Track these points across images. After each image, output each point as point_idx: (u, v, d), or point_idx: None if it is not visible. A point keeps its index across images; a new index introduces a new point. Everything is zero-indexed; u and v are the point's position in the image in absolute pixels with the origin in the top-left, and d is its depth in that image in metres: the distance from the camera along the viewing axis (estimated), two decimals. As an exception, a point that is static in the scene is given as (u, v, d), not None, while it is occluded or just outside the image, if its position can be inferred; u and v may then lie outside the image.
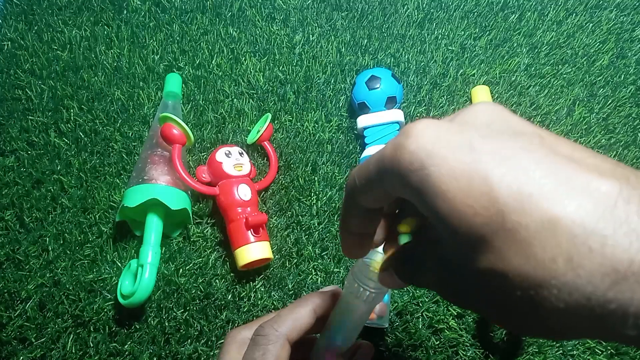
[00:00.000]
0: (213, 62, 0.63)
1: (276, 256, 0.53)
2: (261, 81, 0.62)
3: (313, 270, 0.53)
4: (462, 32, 0.66)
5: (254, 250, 0.49)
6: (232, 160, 0.52)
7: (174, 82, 0.60)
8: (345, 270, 0.53)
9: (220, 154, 0.53)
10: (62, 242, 0.53)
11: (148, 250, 0.48)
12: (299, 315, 0.30)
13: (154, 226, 0.50)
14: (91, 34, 0.64)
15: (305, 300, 0.31)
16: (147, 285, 0.46)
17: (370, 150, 0.54)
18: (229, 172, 0.52)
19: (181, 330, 0.49)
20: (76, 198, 0.55)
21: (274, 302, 0.51)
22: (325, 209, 0.55)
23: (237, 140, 0.58)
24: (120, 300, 0.47)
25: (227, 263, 0.52)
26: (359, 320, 0.30)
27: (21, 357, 0.48)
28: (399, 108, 0.58)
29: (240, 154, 0.54)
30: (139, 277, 0.47)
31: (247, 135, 0.58)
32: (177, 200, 0.50)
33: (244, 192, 0.51)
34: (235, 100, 0.61)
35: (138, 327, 0.49)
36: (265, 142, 0.57)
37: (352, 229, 0.25)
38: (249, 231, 0.49)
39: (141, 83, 0.61)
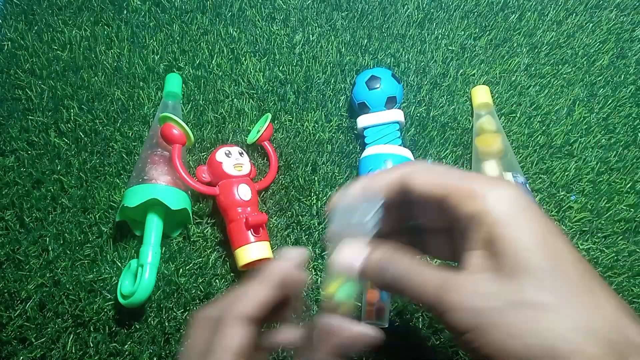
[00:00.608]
0: (213, 62, 0.63)
1: (276, 256, 0.53)
2: (261, 81, 0.62)
3: (313, 270, 0.53)
4: (462, 32, 0.66)
5: (254, 250, 0.49)
6: (232, 160, 0.52)
7: (174, 82, 0.60)
8: (345, 270, 0.52)
9: (220, 154, 0.53)
10: (62, 242, 0.53)
11: (148, 250, 0.48)
12: (256, 291, 0.29)
13: (154, 226, 0.50)
14: (91, 34, 0.64)
15: (264, 273, 0.30)
16: (147, 285, 0.46)
17: (370, 150, 0.54)
18: (229, 172, 0.52)
19: (181, 330, 0.49)
20: (76, 198, 0.55)
21: (274, 302, 0.51)
22: (325, 209, 0.55)
23: (237, 140, 0.58)
24: (120, 300, 0.47)
25: (227, 263, 0.52)
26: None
27: (21, 357, 0.48)
28: (399, 108, 0.58)
29: (240, 153, 0.54)
30: (139, 277, 0.47)
31: (247, 135, 0.58)
32: (177, 200, 0.50)
33: (244, 192, 0.51)
34: (235, 100, 0.61)
35: (138, 327, 0.49)
36: (265, 142, 0.56)
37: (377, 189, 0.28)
38: (249, 231, 0.49)
39: (141, 83, 0.61)
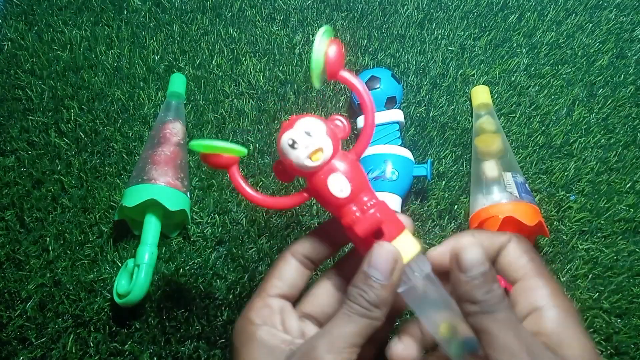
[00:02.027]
0: (213, 62, 0.63)
1: (276, 256, 0.53)
2: (261, 81, 0.62)
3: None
4: (462, 33, 0.66)
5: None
6: (302, 150, 0.32)
7: (178, 83, 0.60)
8: (345, 270, 0.53)
9: (284, 148, 0.33)
10: (62, 242, 0.53)
11: (145, 251, 0.48)
12: (283, 272, 0.32)
13: (151, 226, 0.50)
14: (91, 34, 0.64)
15: (285, 253, 0.33)
16: (142, 285, 0.47)
17: (370, 150, 0.55)
18: (306, 168, 0.33)
19: (181, 330, 0.49)
20: (76, 198, 0.55)
21: (274, 302, 0.51)
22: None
23: (238, 140, 0.58)
24: (116, 299, 0.47)
25: (227, 263, 0.52)
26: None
27: (21, 357, 0.48)
28: (399, 108, 0.58)
29: (308, 133, 0.33)
30: (135, 277, 0.47)
31: (247, 134, 0.58)
32: (176, 201, 0.50)
33: (338, 187, 0.33)
34: (235, 100, 0.61)
35: (138, 327, 0.49)
36: (342, 74, 0.33)
37: None
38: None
39: (141, 83, 0.61)
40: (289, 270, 0.32)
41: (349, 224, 0.32)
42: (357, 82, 0.34)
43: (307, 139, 0.33)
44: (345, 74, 0.34)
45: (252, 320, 0.30)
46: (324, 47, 0.33)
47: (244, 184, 0.35)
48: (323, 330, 0.27)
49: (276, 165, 0.36)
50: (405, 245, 0.31)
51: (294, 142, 0.33)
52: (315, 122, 0.33)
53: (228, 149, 0.34)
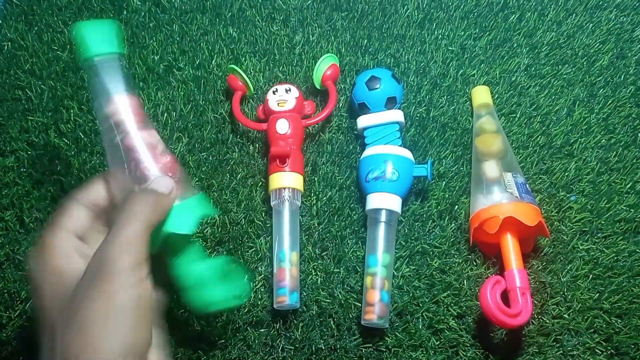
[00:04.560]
0: (213, 63, 0.63)
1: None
2: (261, 81, 0.62)
3: (313, 271, 0.53)
4: (462, 33, 0.66)
5: (282, 178, 0.52)
6: (277, 97, 0.56)
7: (101, 31, 0.40)
8: (345, 270, 0.53)
9: (269, 92, 0.57)
10: (62, 242, 0.53)
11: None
12: (96, 185, 0.39)
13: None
14: (91, 34, 0.64)
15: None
16: None
17: (370, 151, 0.54)
18: (273, 108, 0.56)
19: (181, 330, 0.49)
20: (76, 198, 0.55)
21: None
22: (325, 209, 0.55)
23: (238, 141, 0.58)
24: None
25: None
26: None
27: (21, 357, 0.48)
28: (399, 108, 0.58)
29: (287, 90, 0.56)
30: None
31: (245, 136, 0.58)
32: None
33: (281, 126, 0.54)
34: (235, 100, 0.61)
35: (138, 327, 0.49)
36: (328, 82, 0.58)
37: None
38: (276, 161, 0.53)
39: (141, 83, 0.61)
40: (79, 213, 0.38)
41: (271, 146, 0.53)
42: (333, 91, 0.58)
43: (285, 93, 0.56)
44: (329, 83, 0.58)
45: (50, 244, 0.36)
46: (326, 66, 0.58)
47: (236, 104, 0.57)
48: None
49: (260, 106, 0.59)
50: (294, 179, 0.52)
51: (276, 90, 0.57)
52: (296, 90, 0.57)
53: (245, 79, 0.58)
